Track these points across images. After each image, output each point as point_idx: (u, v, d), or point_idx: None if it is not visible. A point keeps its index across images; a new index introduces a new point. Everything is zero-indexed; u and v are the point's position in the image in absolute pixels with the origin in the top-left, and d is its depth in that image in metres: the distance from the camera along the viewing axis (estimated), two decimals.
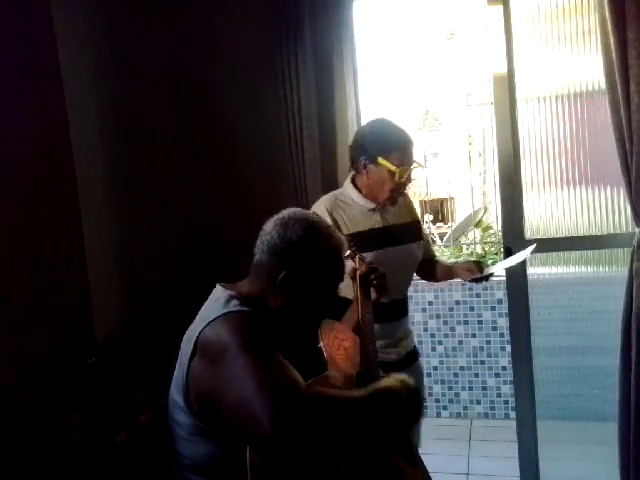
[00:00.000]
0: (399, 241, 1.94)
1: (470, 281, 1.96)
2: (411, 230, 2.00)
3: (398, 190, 1.89)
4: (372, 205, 1.92)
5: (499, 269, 2.04)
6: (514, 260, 1.98)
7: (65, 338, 1.66)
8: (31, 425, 1.47)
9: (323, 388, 1.10)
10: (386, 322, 1.89)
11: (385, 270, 1.67)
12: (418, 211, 2.18)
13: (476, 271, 1.93)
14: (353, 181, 1.97)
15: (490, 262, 3.99)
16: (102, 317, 1.88)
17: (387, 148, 1.84)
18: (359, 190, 1.94)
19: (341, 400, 1.07)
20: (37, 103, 1.64)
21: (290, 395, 0.99)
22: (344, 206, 1.91)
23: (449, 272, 2.07)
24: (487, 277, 1.93)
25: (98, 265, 1.93)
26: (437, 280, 2.18)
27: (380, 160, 1.83)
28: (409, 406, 1.15)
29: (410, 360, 2.00)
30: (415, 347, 2.06)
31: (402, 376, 1.21)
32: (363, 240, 1.80)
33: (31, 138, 1.62)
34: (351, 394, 1.12)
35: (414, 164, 1.89)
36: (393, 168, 1.83)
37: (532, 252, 1.95)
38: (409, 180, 1.90)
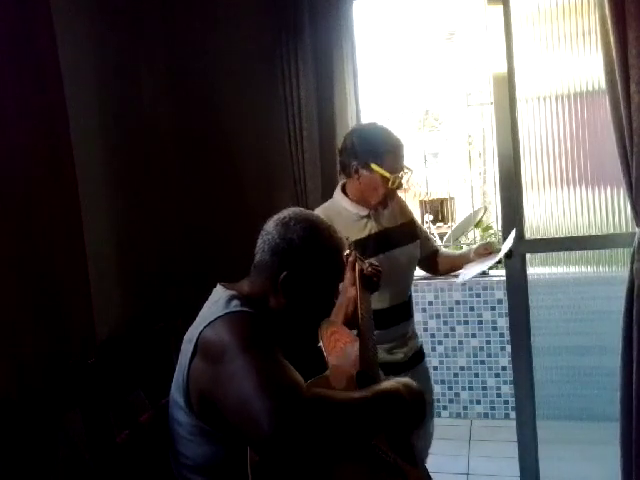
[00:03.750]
0: (396, 244, 1.93)
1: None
2: (407, 231, 2.00)
3: (391, 194, 1.88)
4: (365, 212, 1.90)
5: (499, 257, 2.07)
6: (505, 248, 2.02)
7: (65, 338, 1.66)
8: (31, 425, 1.47)
9: (324, 389, 1.09)
10: (392, 326, 1.90)
11: (385, 275, 1.67)
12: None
13: (491, 249, 1.99)
14: (343, 190, 1.95)
15: None
16: (102, 317, 1.88)
17: (379, 154, 1.82)
18: (350, 198, 1.92)
19: (342, 401, 1.06)
20: (37, 103, 1.64)
21: (290, 395, 0.99)
22: (337, 217, 1.84)
23: (459, 260, 2.09)
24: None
25: (98, 265, 1.93)
26: (439, 272, 2.19)
27: (373, 166, 1.82)
28: (412, 409, 1.15)
29: (416, 360, 2.00)
30: (421, 347, 2.07)
31: (405, 379, 1.20)
32: (361, 248, 1.78)
33: (31, 138, 1.62)
34: (352, 395, 1.11)
35: (406, 168, 1.87)
36: (387, 175, 1.81)
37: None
38: (401, 185, 1.89)
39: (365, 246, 1.83)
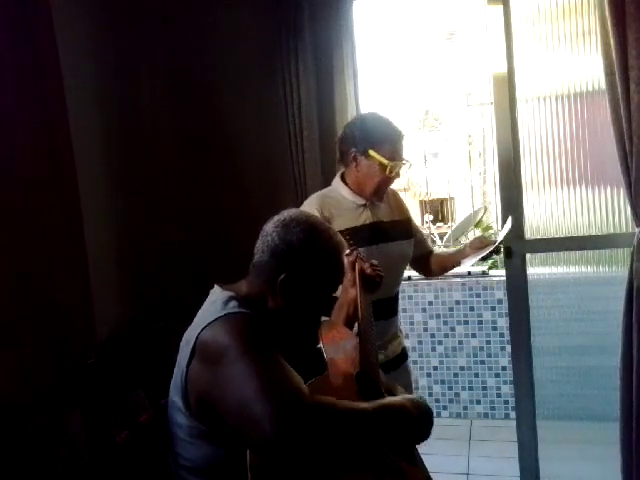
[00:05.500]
0: (390, 238, 1.93)
1: (481, 259, 1.95)
2: (402, 227, 1.99)
3: (386, 184, 1.88)
4: (362, 201, 1.91)
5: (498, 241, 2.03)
6: (503, 234, 1.99)
7: (65, 338, 1.66)
8: (31, 425, 1.47)
9: (326, 397, 1.06)
10: (375, 321, 1.89)
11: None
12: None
13: (487, 242, 1.94)
14: (342, 178, 1.95)
15: (490, 261, 4.00)
16: (102, 317, 1.88)
17: (378, 140, 1.83)
18: (348, 186, 1.92)
19: (344, 410, 1.05)
20: (37, 103, 1.64)
21: (291, 398, 0.98)
22: (334, 203, 1.89)
23: (453, 258, 2.07)
24: (495, 251, 1.95)
25: (98, 265, 1.93)
26: (432, 273, 2.18)
27: (371, 152, 1.82)
28: (419, 425, 1.14)
29: (398, 362, 1.98)
30: (404, 349, 2.04)
31: (413, 395, 1.20)
32: (354, 236, 1.76)
33: (31, 138, 1.62)
34: (355, 405, 1.09)
35: (404, 159, 1.88)
36: (385, 161, 1.82)
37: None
38: (398, 175, 1.89)
39: (359, 235, 1.81)
